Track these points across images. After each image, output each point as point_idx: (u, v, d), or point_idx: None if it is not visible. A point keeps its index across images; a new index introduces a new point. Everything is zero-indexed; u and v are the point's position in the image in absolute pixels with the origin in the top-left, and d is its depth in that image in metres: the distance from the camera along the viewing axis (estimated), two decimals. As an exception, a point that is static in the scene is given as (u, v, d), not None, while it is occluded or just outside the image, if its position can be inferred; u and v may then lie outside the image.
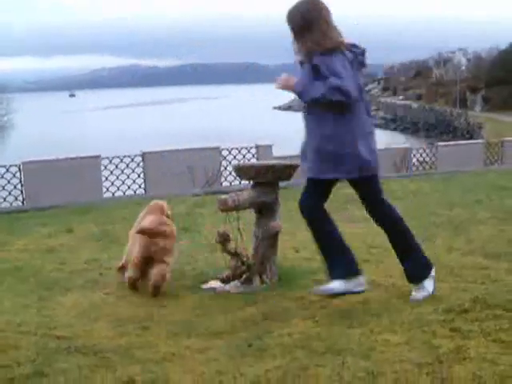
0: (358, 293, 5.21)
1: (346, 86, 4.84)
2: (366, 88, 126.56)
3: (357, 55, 5.10)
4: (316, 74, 4.96)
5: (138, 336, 4.71)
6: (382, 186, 5.36)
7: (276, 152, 16.62)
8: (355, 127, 5.03)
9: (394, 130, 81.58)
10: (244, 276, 5.86)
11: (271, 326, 4.80)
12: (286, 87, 5.17)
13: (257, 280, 5.89)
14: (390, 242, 5.42)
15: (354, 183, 5.29)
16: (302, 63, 5.19)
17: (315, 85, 4.94)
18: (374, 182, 5.27)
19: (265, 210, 5.92)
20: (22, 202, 13.88)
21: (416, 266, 5.30)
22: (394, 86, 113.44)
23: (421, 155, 19.02)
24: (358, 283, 5.20)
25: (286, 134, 58.08)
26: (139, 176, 15.41)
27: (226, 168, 15.94)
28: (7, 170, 14.09)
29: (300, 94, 5.10)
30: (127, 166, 15.37)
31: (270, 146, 16.83)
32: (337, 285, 5.13)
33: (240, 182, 13.04)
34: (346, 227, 8.24)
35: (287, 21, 5.14)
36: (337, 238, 5.38)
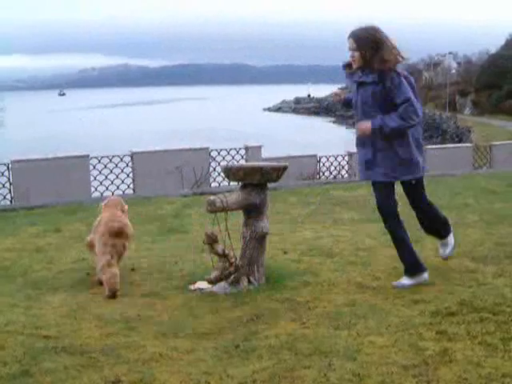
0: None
1: (418, 110, 5.63)
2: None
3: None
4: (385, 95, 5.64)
5: (124, 336, 4.71)
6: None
7: (265, 153, 16.64)
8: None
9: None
10: (232, 277, 5.86)
11: (258, 327, 4.81)
12: (366, 132, 5.65)
13: (244, 281, 5.89)
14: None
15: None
16: (362, 83, 5.75)
17: (390, 119, 5.56)
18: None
19: (253, 211, 5.92)
20: (11, 201, 13.84)
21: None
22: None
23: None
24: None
25: (276, 135, 58.26)
26: (128, 176, 15.39)
27: (214, 169, 15.94)
28: (-4, 169, 14.05)
29: (380, 130, 5.59)
30: (116, 165, 15.34)
31: (259, 148, 16.84)
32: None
33: (229, 183, 13.05)
34: (334, 229, 8.28)
35: (354, 41, 5.66)
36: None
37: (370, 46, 5.56)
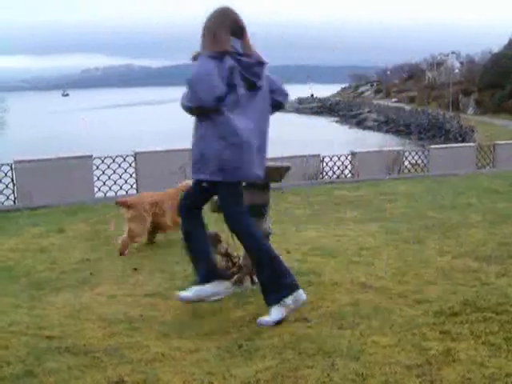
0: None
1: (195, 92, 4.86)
2: (359, 90, 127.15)
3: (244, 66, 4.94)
4: None
5: (128, 336, 4.71)
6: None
7: (268, 153, 16.61)
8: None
9: (387, 132, 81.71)
10: (235, 277, 5.86)
11: (261, 327, 4.80)
12: None
13: (248, 281, 5.88)
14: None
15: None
16: None
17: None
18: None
19: (256, 211, 5.91)
20: (14, 202, 13.84)
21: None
22: (387, 88, 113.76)
23: (413, 158, 19.06)
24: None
25: (279, 135, 58.26)
26: (131, 176, 15.38)
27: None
28: (-1, 169, 14.05)
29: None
30: (119, 165, 15.33)
31: (262, 148, 16.81)
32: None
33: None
34: (337, 229, 8.27)
35: None
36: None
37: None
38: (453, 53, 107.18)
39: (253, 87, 5.00)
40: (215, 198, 5.59)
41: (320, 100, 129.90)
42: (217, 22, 4.99)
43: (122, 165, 15.35)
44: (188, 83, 4.89)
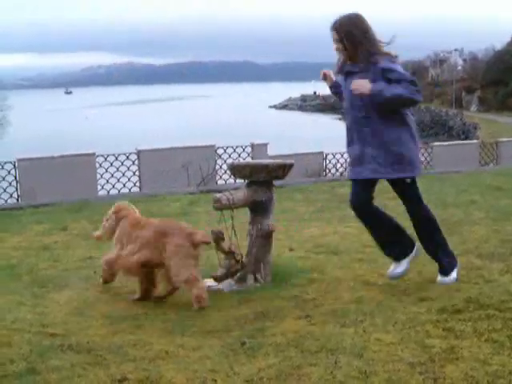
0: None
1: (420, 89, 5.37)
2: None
3: None
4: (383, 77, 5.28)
5: (131, 334, 4.71)
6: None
7: (271, 151, 16.63)
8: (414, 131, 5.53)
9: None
10: (238, 275, 5.86)
11: (264, 324, 4.80)
12: (363, 90, 5.23)
13: (251, 279, 5.89)
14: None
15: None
16: (350, 72, 5.44)
17: (393, 86, 5.21)
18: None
19: (259, 208, 5.92)
20: (17, 199, 13.86)
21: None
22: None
23: (416, 155, 19.02)
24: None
25: (282, 132, 58.19)
26: (134, 174, 15.39)
27: (221, 166, 15.93)
28: (2, 167, 14.07)
29: (380, 93, 5.20)
30: (122, 163, 15.35)
31: (265, 145, 16.84)
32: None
33: (235, 181, 13.05)
34: (340, 227, 8.27)
35: (337, 30, 5.35)
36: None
37: (354, 37, 5.27)
38: (456, 50, 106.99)
39: None
40: (218, 195, 5.60)
41: (323, 97, 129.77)
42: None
43: (125, 162, 15.36)
44: (414, 81, 5.28)
